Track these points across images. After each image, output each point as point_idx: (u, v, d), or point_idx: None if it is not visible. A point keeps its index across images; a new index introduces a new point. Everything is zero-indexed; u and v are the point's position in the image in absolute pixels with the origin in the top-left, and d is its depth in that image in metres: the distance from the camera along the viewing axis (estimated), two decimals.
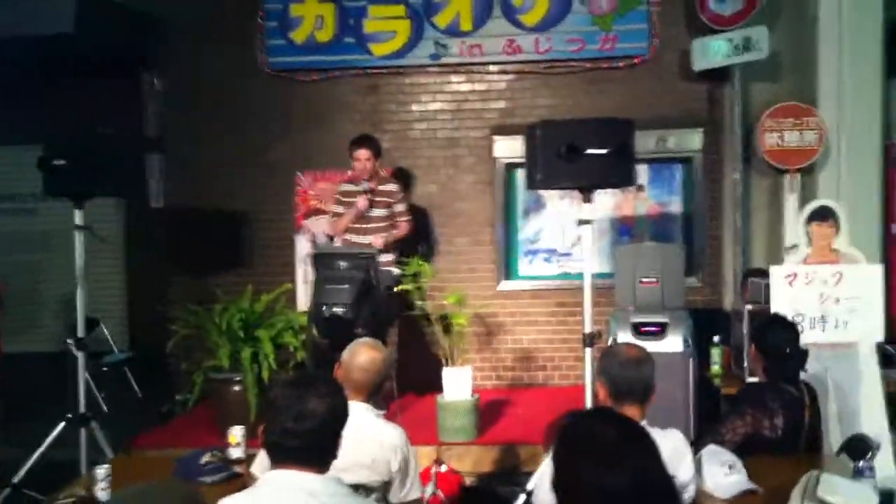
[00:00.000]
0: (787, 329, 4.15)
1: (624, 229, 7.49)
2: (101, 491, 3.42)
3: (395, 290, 6.03)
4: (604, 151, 5.04)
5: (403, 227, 6.65)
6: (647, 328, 5.62)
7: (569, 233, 7.48)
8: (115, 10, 7.54)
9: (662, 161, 7.37)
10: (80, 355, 5.68)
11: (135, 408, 7.21)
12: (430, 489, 4.83)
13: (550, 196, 7.46)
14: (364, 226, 6.47)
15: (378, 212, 6.53)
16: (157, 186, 7.89)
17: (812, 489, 3.04)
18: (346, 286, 5.49)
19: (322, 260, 5.75)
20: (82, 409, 5.59)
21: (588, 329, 5.37)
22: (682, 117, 7.21)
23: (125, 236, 8.35)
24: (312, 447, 2.47)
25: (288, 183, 7.55)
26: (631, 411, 3.24)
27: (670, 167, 7.43)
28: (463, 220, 7.52)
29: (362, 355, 3.52)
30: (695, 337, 5.74)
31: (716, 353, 5.91)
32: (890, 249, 6.94)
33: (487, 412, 6.23)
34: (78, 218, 5.68)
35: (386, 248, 6.39)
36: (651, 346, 5.38)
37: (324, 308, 5.45)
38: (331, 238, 7.11)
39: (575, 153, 5.01)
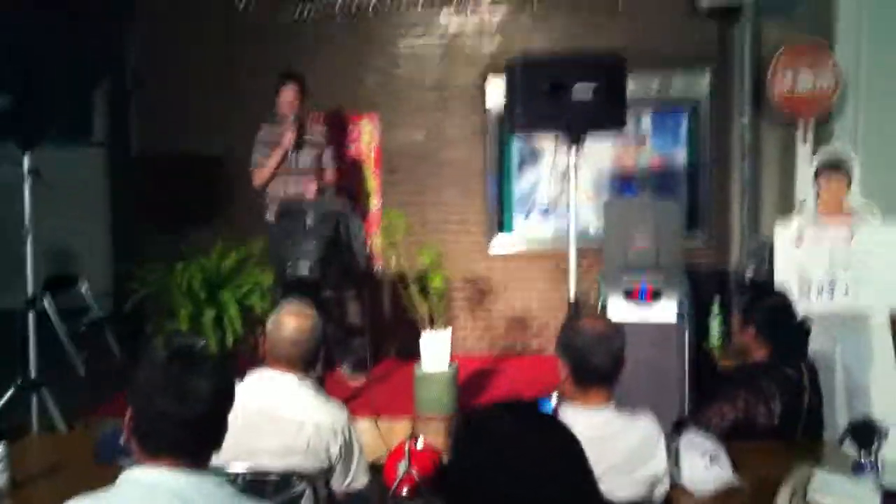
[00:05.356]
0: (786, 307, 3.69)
1: (625, 185, 6.92)
2: None
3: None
4: (592, 87, 4.62)
5: (330, 176, 6.04)
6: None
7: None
8: None
9: (667, 110, 6.78)
10: (30, 316, 5.26)
11: (115, 370, 6.80)
12: (402, 467, 4.41)
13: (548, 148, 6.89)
14: (292, 176, 5.85)
15: (306, 160, 5.88)
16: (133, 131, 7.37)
17: (802, 488, 2.60)
18: (313, 242, 5.02)
19: (284, 213, 5.25)
20: (33, 374, 5.19)
21: (573, 293, 4.95)
22: (689, 58, 6.59)
23: (109, 187, 7.69)
24: (195, 436, 2.03)
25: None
26: (597, 396, 2.83)
27: (675, 116, 6.82)
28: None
29: (289, 325, 3.09)
30: (694, 302, 5.21)
31: (715, 324, 5.40)
32: None
33: (472, 382, 5.82)
34: (26, 163, 5.09)
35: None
36: (642, 313, 5.00)
37: (287, 266, 4.99)
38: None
39: (559, 91, 4.59)
